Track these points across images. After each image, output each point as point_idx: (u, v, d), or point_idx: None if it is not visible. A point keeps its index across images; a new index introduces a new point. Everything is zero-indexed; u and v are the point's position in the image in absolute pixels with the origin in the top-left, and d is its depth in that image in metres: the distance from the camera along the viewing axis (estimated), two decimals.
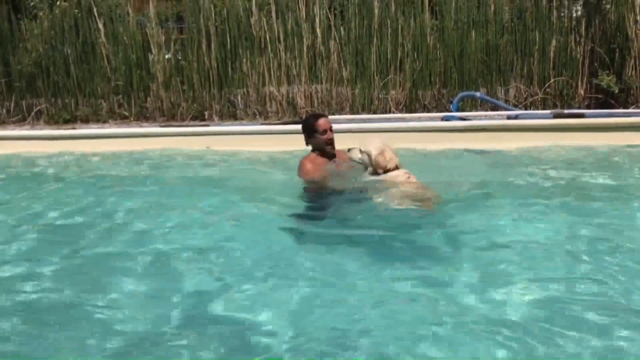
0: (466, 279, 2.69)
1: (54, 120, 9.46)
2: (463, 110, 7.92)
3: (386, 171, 3.69)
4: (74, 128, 8.45)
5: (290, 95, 8.89)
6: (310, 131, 4.17)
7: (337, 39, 8.85)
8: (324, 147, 4.14)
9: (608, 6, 8.41)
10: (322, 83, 8.83)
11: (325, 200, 3.88)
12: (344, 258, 2.98)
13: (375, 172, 3.72)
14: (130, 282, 2.79)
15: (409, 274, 2.78)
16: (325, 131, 4.10)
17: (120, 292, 2.70)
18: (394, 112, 8.55)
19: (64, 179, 5.30)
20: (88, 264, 3.11)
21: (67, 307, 2.59)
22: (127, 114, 9.37)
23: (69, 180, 5.25)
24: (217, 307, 2.52)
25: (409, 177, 3.71)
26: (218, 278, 2.83)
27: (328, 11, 8.97)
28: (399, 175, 3.70)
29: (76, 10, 9.62)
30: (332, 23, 8.92)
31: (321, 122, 4.13)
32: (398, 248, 3.14)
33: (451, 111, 7.45)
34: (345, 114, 8.59)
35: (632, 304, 2.41)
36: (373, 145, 3.73)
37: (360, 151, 3.78)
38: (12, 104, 9.60)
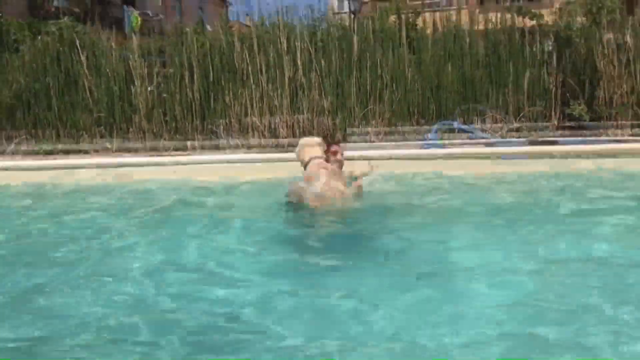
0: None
1: (34, 152, 9.41)
2: (441, 139, 8.11)
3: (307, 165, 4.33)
4: (55, 159, 8.42)
5: (273, 126, 9.01)
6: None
7: (318, 71, 9.06)
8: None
9: (577, 40, 8.76)
10: (303, 113, 8.98)
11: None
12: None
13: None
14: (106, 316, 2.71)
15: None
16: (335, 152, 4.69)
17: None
18: (373, 142, 8.71)
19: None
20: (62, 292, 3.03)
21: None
22: (109, 145, 9.37)
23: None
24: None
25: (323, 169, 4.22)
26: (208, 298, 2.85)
27: (309, 44, 9.19)
28: (312, 167, 4.27)
29: (58, 44, 9.71)
30: (313, 56, 9.13)
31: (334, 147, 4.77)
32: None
33: (430, 140, 7.63)
34: None
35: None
36: (299, 145, 4.47)
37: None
38: None
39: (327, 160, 4.49)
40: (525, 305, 2.58)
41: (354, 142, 8.75)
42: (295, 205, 4.28)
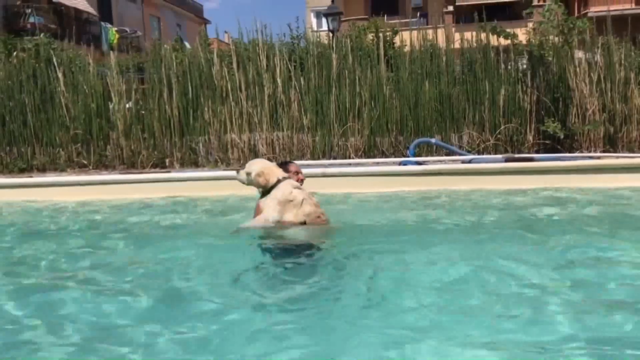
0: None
1: (8, 169, 9.27)
2: (419, 155, 8.20)
3: (267, 189, 3.98)
4: (30, 177, 8.30)
5: (252, 142, 9.03)
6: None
7: (297, 88, 9.12)
8: None
9: (550, 59, 8.99)
10: (283, 130, 9.02)
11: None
12: None
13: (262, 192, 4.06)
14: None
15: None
16: (297, 172, 4.44)
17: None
18: (353, 158, 8.77)
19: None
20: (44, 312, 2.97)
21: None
22: (85, 162, 9.28)
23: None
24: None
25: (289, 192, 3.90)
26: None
27: (288, 62, 9.26)
28: (286, 187, 3.94)
29: (33, 61, 9.62)
30: (292, 73, 9.20)
31: (292, 166, 4.50)
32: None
33: (408, 156, 7.71)
34: (306, 160, 8.76)
35: None
36: (254, 167, 4.07)
37: (246, 173, 4.09)
38: None
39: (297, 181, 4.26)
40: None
41: (334, 158, 8.82)
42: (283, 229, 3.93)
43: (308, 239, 3.89)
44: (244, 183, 4.16)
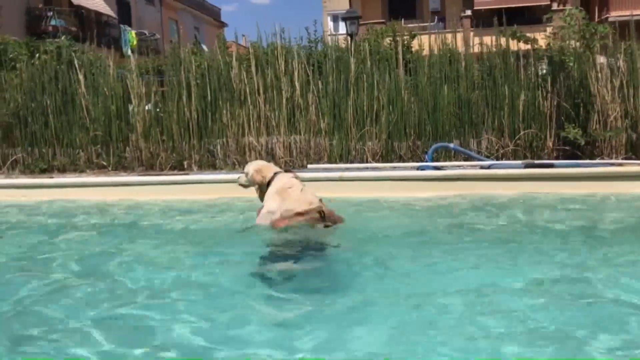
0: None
1: (29, 169, 9.40)
2: (437, 160, 8.15)
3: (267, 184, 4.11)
4: (51, 177, 8.41)
5: (270, 146, 9.05)
6: None
7: (315, 92, 9.13)
8: None
9: (571, 64, 8.88)
10: (300, 134, 9.03)
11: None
12: None
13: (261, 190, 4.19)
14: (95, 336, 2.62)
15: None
16: None
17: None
18: (370, 162, 8.75)
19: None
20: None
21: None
22: (105, 163, 9.38)
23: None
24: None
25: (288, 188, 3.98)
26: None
27: (306, 66, 9.28)
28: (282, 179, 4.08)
29: (55, 63, 9.76)
30: (310, 77, 9.21)
31: None
32: None
33: (426, 161, 7.67)
34: (323, 163, 8.76)
35: None
36: (250, 166, 4.32)
37: (245, 174, 4.29)
38: None
39: None
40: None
41: (351, 162, 8.81)
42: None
43: (317, 238, 3.88)
44: (245, 186, 4.36)
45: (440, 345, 2.39)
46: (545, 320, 2.60)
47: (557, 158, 8.47)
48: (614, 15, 22.43)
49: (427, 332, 2.53)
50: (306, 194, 3.93)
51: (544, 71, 9.18)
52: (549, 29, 11.31)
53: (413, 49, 10.40)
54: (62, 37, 10.79)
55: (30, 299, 3.13)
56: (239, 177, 4.41)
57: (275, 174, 4.14)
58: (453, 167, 7.37)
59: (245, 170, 4.33)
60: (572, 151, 8.52)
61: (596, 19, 20.30)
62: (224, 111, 9.19)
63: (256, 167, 4.26)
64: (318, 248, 3.78)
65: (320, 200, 4.00)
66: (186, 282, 3.36)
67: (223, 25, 38.12)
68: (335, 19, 31.77)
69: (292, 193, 3.91)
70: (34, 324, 2.77)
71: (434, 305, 2.86)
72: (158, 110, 9.62)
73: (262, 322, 2.71)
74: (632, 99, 8.46)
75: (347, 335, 2.52)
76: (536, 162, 7.54)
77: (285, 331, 2.60)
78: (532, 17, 24.41)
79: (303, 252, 3.71)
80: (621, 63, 8.63)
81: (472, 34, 12.04)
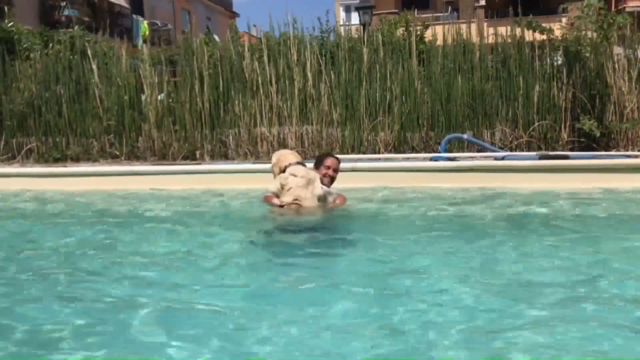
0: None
1: (43, 158, 9.48)
2: (450, 151, 8.09)
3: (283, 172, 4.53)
4: (64, 166, 8.47)
5: (281, 136, 9.03)
6: (318, 163, 4.89)
7: (327, 82, 9.08)
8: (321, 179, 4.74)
9: (587, 55, 8.76)
10: (312, 124, 9.00)
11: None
12: None
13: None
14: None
15: None
16: (328, 167, 4.80)
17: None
18: (383, 153, 8.70)
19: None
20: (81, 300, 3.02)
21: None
22: (118, 153, 9.42)
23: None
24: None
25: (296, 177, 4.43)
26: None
27: (319, 56, 9.23)
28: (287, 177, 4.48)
29: (68, 53, 9.80)
30: (322, 67, 9.17)
31: (329, 160, 4.88)
32: None
33: (439, 152, 7.62)
34: (335, 154, 8.72)
35: None
36: (273, 157, 4.72)
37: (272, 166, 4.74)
38: (2, 143, 9.62)
39: (323, 175, 4.71)
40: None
41: (363, 153, 8.77)
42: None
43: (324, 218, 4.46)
44: (277, 181, 4.62)
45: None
46: None
47: (571, 150, 8.38)
48: (632, 5, 22.06)
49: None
50: (296, 190, 4.38)
51: (559, 62, 9.06)
52: (564, 20, 11.16)
53: (426, 40, 10.30)
54: (76, 27, 10.83)
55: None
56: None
57: (289, 165, 4.52)
58: (466, 159, 7.31)
59: (271, 162, 4.77)
60: (588, 143, 8.42)
61: (613, 9, 20.00)
62: (236, 101, 9.19)
63: (274, 159, 4.67)
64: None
65: (325, 196, 4.53)
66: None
67: (235, 15, 38.04)
68: (347, 9, 31.59)
69: (289, 183, 4.43)
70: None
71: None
72: (170, 100, 9.64)
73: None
74: None
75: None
76: (551, 153, 7.45)
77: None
78: (547, 7, 24.08)
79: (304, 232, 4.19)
80: (639, 54, 8.49)
81: (486, 24, 11.88)
